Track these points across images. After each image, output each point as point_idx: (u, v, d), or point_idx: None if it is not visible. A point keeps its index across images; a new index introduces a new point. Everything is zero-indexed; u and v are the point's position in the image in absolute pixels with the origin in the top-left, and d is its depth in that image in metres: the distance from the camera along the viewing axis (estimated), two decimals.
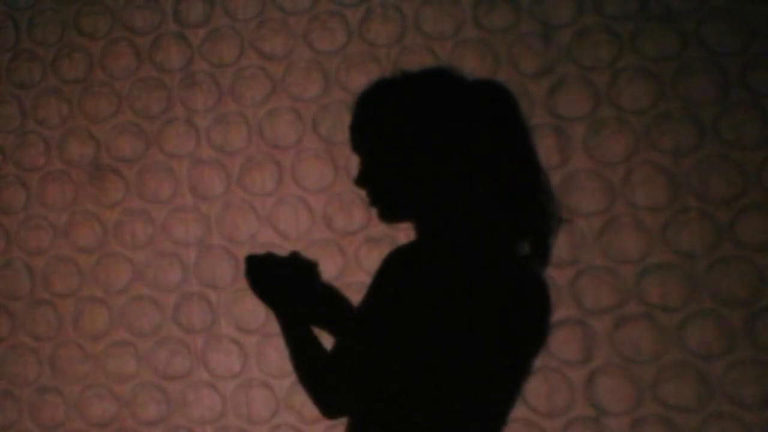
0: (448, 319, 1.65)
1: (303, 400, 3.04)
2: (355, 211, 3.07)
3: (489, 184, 1.75)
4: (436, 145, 1.73)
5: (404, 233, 1.86)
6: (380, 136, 1.76)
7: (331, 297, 1.91)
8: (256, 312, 3.06)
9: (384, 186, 1.77)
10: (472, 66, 2.95)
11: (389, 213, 1.79)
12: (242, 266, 1.79)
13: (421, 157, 1.73)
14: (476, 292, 1.66)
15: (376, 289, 1.69)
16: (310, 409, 3.04)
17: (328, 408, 1.76)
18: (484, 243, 1.72)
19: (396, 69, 1.87)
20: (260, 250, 1.87)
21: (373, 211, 1.81)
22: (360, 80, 1.85)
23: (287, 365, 1.82)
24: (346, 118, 1.84)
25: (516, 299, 1.71)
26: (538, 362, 1.80)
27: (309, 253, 3.03)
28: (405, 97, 1.76)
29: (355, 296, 1.79)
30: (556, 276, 2.72)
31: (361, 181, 1.79)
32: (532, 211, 1.77)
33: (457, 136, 1.73)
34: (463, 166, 1.73)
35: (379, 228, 2.76)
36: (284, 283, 1.83)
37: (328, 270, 2.39)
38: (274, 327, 1.86)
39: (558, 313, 2.83)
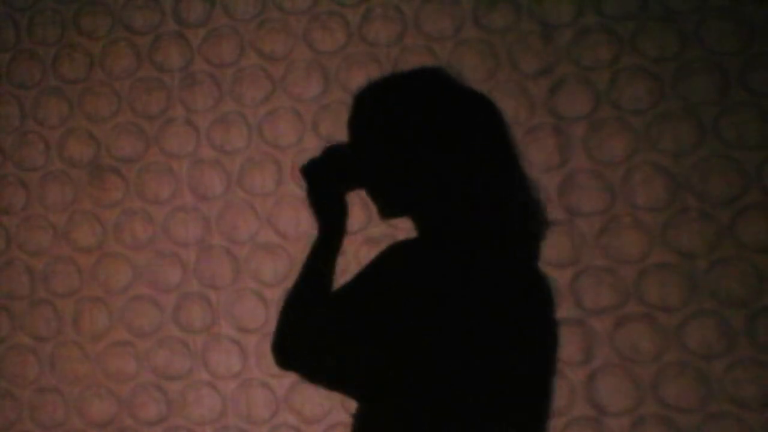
0: (451, 316, 1.65)
1: (303, 400, 3.05)
2: (355, 211, 3.08)
3: (487, 184, 1.76)
4: (435, 142, 1.73)
5: (403, 233, 1.86)
6: (379, 132, 1.75)
7: None
8: (256, 312, 3.06)
9: (381, 181, 1.77)
10: (472, 66, 2.95)
11: (387, 208, 1.79)
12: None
13: (418, 152, 1.73)
14: (478, 289, 1.66)
15: (373, 276, 1.69)
16: (310, 409, 3.07)
17: (282, 348, 1.76)
18: (484, 241, 1.72)
19: (396, 68, 1.87)
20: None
21: (373, 208, 1.81)
22: (360, 80, 1.84)
23: None
24: (346, 118, 1.84)
25: (520, 295, 1.71)
26: None
27: None
28: (404, 93, 1.76)
29: None
30: (556, 276, 2.71)
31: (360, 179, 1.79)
32: (516, 213, 1.76)
33: (456, 135, 1.73)
34: (463, 163, 1.73)
35: (379, 228, 2.76)
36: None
37: None
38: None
39: (558, 313, 2.83)
